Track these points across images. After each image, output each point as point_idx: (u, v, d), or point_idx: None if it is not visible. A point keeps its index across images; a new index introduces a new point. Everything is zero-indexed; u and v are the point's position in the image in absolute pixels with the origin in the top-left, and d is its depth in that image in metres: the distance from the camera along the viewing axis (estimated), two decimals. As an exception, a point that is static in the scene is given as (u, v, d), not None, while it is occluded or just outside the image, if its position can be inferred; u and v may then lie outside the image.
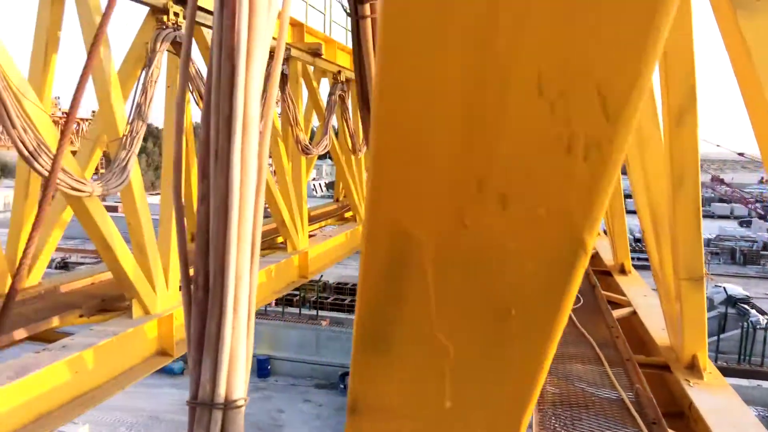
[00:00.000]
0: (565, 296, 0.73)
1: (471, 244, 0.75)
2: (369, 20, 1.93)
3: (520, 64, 0.70)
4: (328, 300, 34.51)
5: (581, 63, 0.70)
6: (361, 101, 2.19)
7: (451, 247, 0.76)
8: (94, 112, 34.74)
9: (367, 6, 1.89)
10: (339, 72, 11.14)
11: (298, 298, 31.50)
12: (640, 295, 6.24)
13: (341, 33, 12.55)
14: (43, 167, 4.58)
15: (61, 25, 5.92)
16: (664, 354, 4.71)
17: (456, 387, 0.75)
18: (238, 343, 1.06)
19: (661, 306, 5.19)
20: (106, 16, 2.75)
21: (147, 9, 6.27)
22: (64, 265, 33.29)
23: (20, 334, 5.37)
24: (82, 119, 34.66)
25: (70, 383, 5.14)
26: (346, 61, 11.83)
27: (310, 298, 33.53)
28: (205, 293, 1.06)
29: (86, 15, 5.51)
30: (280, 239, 10.06)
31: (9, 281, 6.14)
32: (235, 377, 1.05)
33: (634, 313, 5.73)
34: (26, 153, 4.47)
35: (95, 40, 4.76)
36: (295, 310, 32.34)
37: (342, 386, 26.83)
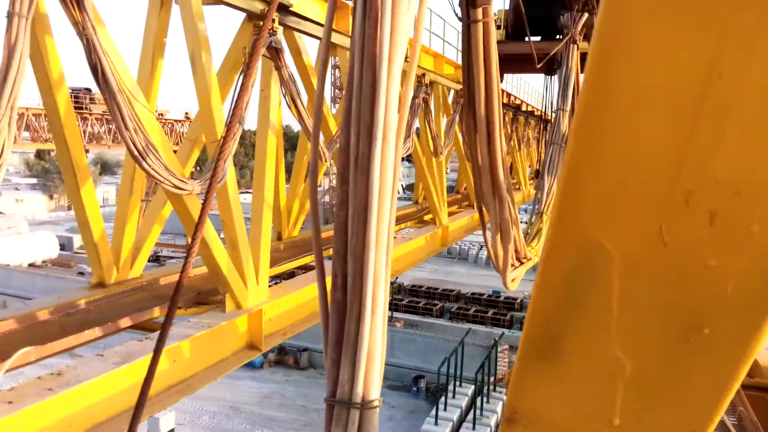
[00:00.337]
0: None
1: (667, 260, 0.72)
2: (480, 24, 1.91)
3: (749, 76, 0.67)
4: (403, 302, 34.78)
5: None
6: (466, 104, 2.18)
7: (645, 262, 0.73)
8: (186, 114, 36.74)
9: (480, 10, 1.88)
10: (423, 75, 11.15)
11: (373, 299, 31.90)
12: None
13: (424, 35, 12.56)
14: (150, 166, 4.87)
15: (166, 32, 6.29)
16: (768, 375, 4.39)
17: (628, 405, 0.72)
18: (376, 343, 1.08)
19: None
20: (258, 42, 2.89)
21: (243, 15, 6.56)
22: (156, 259, 35.35)
23: (125, 322, 5.74)
24: (175, 120, 36.76)
25: (168, 371, 5.43)
26: (429, 63, 11.85)
27: (385, 299, 33.92)
28: (343, 294, 1.09)
29: (190, 22, 5.82)
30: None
31: (115, 273, 6.59)
32: (372, 377, 1.07)
33: None
34: (136, 152, 4.76)
35: (248, 67, 5.01)
36: (369, 311, 32.79)
37: (415, 389, 26.86)
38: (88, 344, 5.67)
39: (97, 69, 4.29)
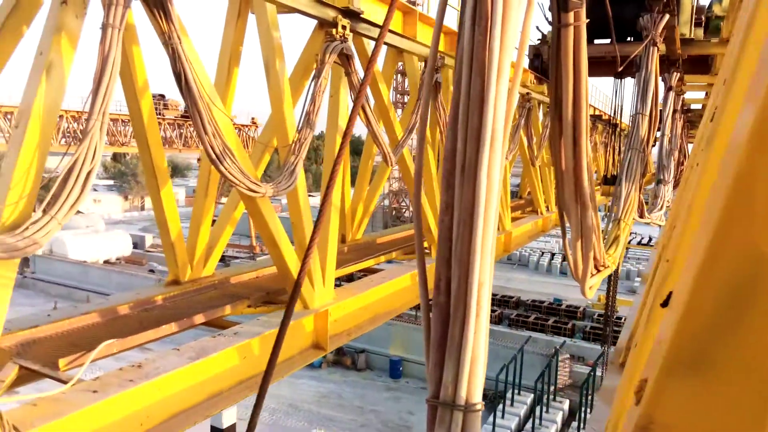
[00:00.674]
0: None
1: None
2: (571, 28, 1.89)
3: None
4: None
5: None
6: (553, 109, 2.16)
7: None
8: (253, 119, 37.86)
9: (571, 14, 1.85)
10: (528, 93, 11.07)
11: (431, 302, 31.86)
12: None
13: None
14: (226, 169, 5.05)
15: (242, 40, 6.52)
16: None
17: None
18: (479, 347, 1.09)
19: None
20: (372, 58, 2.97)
21: (315, 22, 6.72)
22: (221, 258, 36.58)
23: (199, 318, 5.97)
24: (242, 125, 37.98)
25: (239, 367, 5.60)
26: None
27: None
28: (446, 298, 1.11)
29: (265, 31, 6.01)
30: (426, 244, 10.22)
31: (189, 271, 6.87)
32: (476, 381, 1.08)
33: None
34: (213, 156, 4.95)
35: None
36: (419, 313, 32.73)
37: (473, 395, 26.60)
38: (163, 339, 5.94)
39: (180, 76, 4.50)
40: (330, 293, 6.87)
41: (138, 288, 7.19)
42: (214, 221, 7.35)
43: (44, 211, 3.60)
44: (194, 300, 6.48)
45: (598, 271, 3.50)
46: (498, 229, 11.62)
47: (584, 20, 1.90)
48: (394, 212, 47.09)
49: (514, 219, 13.91)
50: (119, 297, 6.26)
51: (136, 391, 4.54)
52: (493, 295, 35.76)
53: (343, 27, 6.39)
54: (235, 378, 5.61)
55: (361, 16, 6.68)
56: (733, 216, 0.73)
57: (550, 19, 1.97)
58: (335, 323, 6.81)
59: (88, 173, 3.74)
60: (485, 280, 1.11)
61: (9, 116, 25.22)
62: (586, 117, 2.10)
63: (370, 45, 7.64)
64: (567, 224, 3.12)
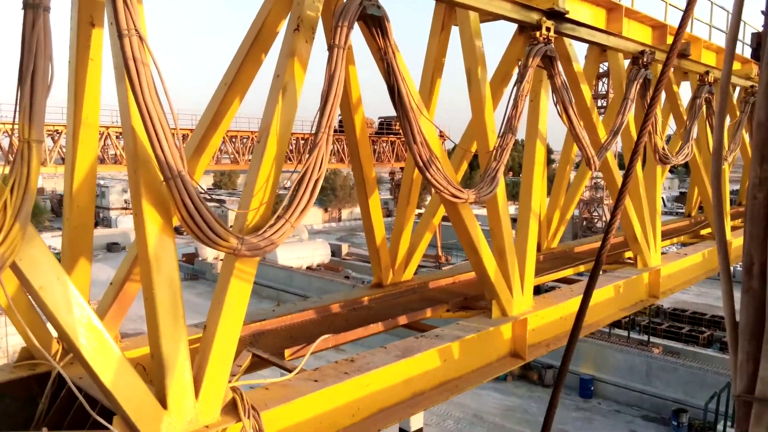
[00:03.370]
0: None
1: None
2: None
3: None
4: (662, 326, 31.48)
5: None
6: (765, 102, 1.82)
7: None
8: (441, 132, 38.70)
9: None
10: (707, 72, 9.96)
11: (627, 319, 29.44)
12: None
13: (704, 30, 11.22)
14: (432, 176, 5.21)
15: (446, 52, 6.71)
16: None
17: None
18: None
19: None
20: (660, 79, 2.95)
21: (514, 27, 6.66)
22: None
23: (402, 320, 6.23)
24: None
25: (440, 370, 5.71)
26: (712, 59, 10.53)
27: (640, 322, 31.11)
28: (761, 283, 1.00)
29: (468, 41, 6.11)
30: (628, 254, 9.49)
31: (391, 275, 7.20)
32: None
33: None
34: (421, 163, 5.14)
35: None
36: (623, 333, 30.36)
37: (675, 423, 23.92)
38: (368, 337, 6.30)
39: (394, 89, 4.76)
40: (528, 301, 6.70)
41: (342, 291, 7.74)
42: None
43: (280, 216, 4.04)
44: (396, 302, 6.78)
45: None
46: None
47: None
48: (585, 222, 44.59)
49: (734, 228, 12.28)
50: (331, 297, 6.79)
51: (351, 384, 4.87)
52: (701, 314, 32.21)
53: (548, 29, 6.24)
54: (437, 379, 5.73)
55: (566, 16, 6.46)
56: None
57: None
58: (533, 332, 6.62)
59: (316, 181, 4.12)
60: None
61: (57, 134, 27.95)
62: None
63: (571, 45, 7.35)
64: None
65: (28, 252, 3.02)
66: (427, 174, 5.17)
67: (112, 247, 52.80)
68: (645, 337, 30.24)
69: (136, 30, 3.28)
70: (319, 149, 4.17)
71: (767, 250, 0.97)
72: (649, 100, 8.06)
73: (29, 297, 3.95)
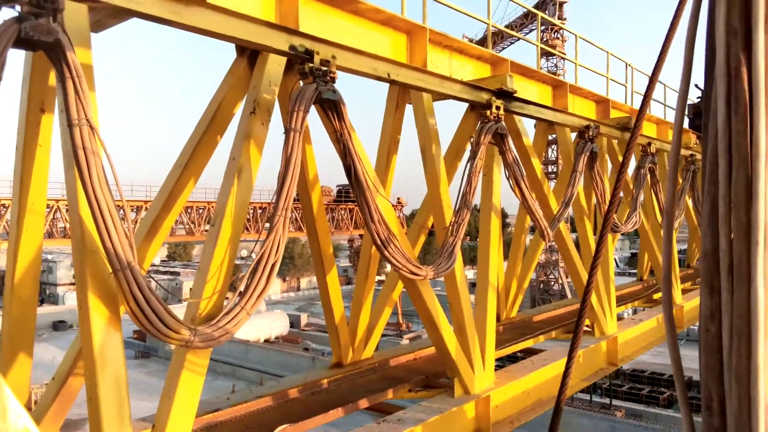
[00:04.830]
0: None
1: None
2: None
3: None
4: (622, 388, 31.59)
5: None
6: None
7: None
8: (399, 199, 39.28)
9: None
10: (649, 143, 10.50)
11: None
12: None
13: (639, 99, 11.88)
14: (390, 254, 5.19)
15: (400, 129, 6.86)
16: None
17: None
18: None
19: None
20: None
21: (465, 106, 6.90)
22: (369, 336, 37.37)
23: (363, 403, 6.01)
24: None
25: (405, 455, 5.49)
26: (652, 131, 11.15)
27: (602, 384, 31.15)
28: (720, 420, 0.97)
29: (421, 119, 6.28)
30: (586, 322, 9.56)
31: (351, 353, 7.01)
32: None
33: None
34: (379, 242, 5.12)
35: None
36: (586, 396, 30.27)
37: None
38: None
39: (350, 169, 4.80)
40: (490, 377, 6.60)
41: (301, 371, 7.47)
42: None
43: (235, 303, 3.91)
44: (357, 383, 6.57)
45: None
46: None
47: None
48: (542, 285, 45.20)
49: (684, 291, 12.61)
50: (288, 380, 6.53)
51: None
52: (660, 375, 32.56)
53: (497, 107, 6.49)
54: (402, 467, 5.49)
55: (515, 95, 6.75)
56: None
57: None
58: (497, 409, 6.49)
59: (273, 265, 4.03)
60: (776, 403, 0.96)
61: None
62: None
63: (521, 121, 7.65)
64: None
65: (-43, 356, 2.79)
66: (386, 252, 5.15)
67: (58, 326, 50.21)
68: (607, 400, 30.20)
69: (87, 120, 3.22)
70: (276, 232, 4.11)
71: (723, 384, 0.95)
72: (596, 172, 8.39)
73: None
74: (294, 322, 48.39)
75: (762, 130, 0.98)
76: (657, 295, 12.44)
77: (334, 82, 4.80)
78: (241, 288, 3.89)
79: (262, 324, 43.82)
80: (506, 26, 43.11)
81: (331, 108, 4.81)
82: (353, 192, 4.97)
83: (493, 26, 8.65)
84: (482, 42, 32.54)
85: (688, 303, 11.93)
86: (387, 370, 7.11)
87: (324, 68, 4.77)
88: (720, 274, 1.00)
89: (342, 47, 5.07)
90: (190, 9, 4.07)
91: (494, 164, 6.95)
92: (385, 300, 7.44)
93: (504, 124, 6.69)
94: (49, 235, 28.45)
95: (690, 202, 13.23)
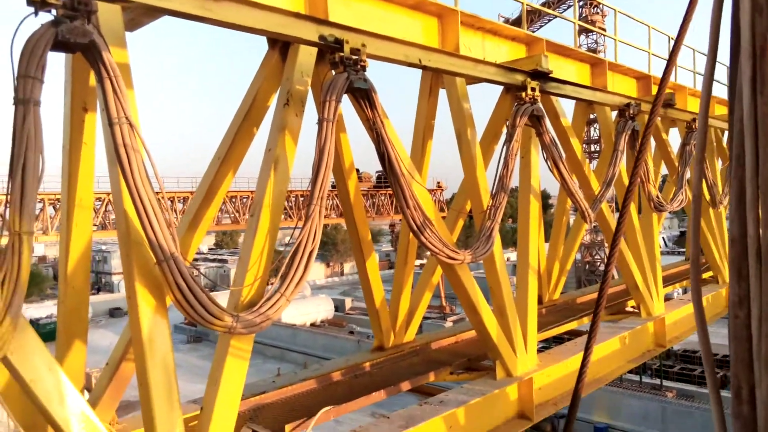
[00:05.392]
0: None
1: None
2: None
3: None
4: (673, 369, 30.84)
5: None
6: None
7: None
8: (439, 183, 39.11)
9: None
10: (693, 120, 10.13)
11: (638, 364, 28.87)
12: None
13: (689, 78, 11.48)
14: (427, 239, 5.22)
15: (434, 114, 6.84)
16: None
17: None
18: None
19: None
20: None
21: (500, 89, 6.82)
22: (413, 319, 37.61)
23: (405, 386, 6.10)
24: (429, 190, 39.46)
25: (445, 437, 5.55)
26: (698, 107, 10.73)
27: (652, 365, 30.48)
28: (750, 408, 0.97)
29: (456, 103, 6.25)
30: (631, 303, 9.39)
31: (392, 337, 7.10)
32: None
33: None
34: (415, 227, 5.16)
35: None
36: (635, 377, 29.69)
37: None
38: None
39: (384, 156, 4.83)
40: (533, 359, 6.58)
41: (346, 354, 7.61)
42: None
43: (275, 290, 4.03)
44: (398, 366, 6.66)
45: None
46: (718, 281, 10.35)
47: None
48: (587, 266, 44.37)
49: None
50: (332, 364, 6.67)
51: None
52: (713, 354, 31.44)
53: (533, 89, 6.39)
54: (442, 448, 5.56)
55: (551, 75, 6.62)
56: None
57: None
58: (540, 392, 6.47)
59: (310, 253, 4.13)
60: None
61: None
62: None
63: (558, 102, 7.51)
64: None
65: (19, 345, 2.99)
66: (422, 237, 5.18)
67: (114, 313, 52.39)
68: (657, 381, 29.57)
69: (126, 118, 3.36)
70: (312, 221, 4.19)
71: (753, 372, 0.94)
72: (637, 151, 8.15)
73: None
74: (339, 306, 49.09)
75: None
76: (706, 275, 12.06)
77: (365, 70, 4.83)
78: (280, 275, 4.01)
79: (308, 308, 44.64)
80: (543, 3, 41.97)
81: (363, 96, 4.84)
82: (388, 179, 5.01)
83: (528, 5, 8.50)
84: (518, 22, 31.80)
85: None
86: (429, 353, 7.18)
87: (354, 57, 4.80)
88: (748, 261, 0.99)
89: (372, 35, 5.09)
90: (219, 4, 4.16)
91: (532, 146, 6.86)
92: (425, 284, 7.48)
93: (540, 105, 6.58)
94: (102, 227, 29.58)
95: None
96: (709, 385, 1.10)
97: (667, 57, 10.73)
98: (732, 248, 1.03)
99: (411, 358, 6.95)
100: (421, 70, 6.28)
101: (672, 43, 10.77)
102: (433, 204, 5.76)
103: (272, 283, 4.16)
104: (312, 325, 44.28)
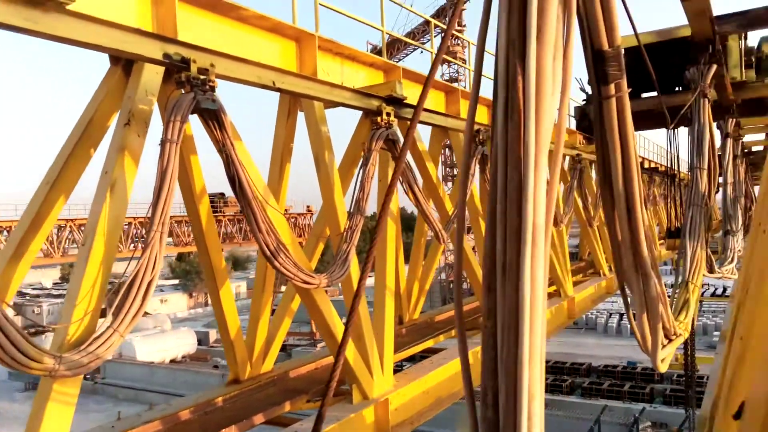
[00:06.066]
0: None
1: None
2: (613, 100, 1.85)
3: None
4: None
5: None
6: (602, 179, 2.12)
7: None
8: (309, 207, 38.98)
9: (612, 86, 1.83)
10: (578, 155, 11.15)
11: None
12: None
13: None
14: (281, 264, 5.12)
15: (293, 137, 6.80)
16: None
17: None
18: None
19: None
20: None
21: (360, 113, 6.97)
22: (283, 348, 36.73)
23: (258, 419, 5.89)
24: (298, 214, 39.15)
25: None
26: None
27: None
28: (494, 413, 1.03)
29: (314, 126, 6.28)
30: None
31: (248, 368, 6.85)
32: None
33: None
34: (268, 253, 5.05)
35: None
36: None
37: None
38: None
39: (234, 180, 4.70)
40: (389, 380, 6.68)
41: (200, 388, 7.21)
42: (274, 310, 7.42)
43: (108, 326, 3.71)
44: (254, 398, 6.42)
45: (670, 341, 3.27)
46: (560, 295, 11.35)
47: (626, 90, 1.86)
48: (451, 285, 46.42)
49: (576, 283, 13.40)
50: (181, 402, 6.26)
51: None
52: (562, 363, 34.17)
53: (387, 114, 6.61)
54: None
55: (405, 102, 6.90)
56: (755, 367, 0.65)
57: (590, 92, 1.96)
58: (396, 412, 6.57)
59: (149, 283, 3.86)
60: (536, 392, 1.03)
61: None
62: (638, 187, 2.03)
63: (418, 128, 7.83)
64: (629, 295, 2.95)
65: None
66: (276, 263, 5.08)
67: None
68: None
69: None
70: (152, 248, 3.94)
71: (498, 379, 1.01)
72: (487, 175, 8.74)
73: None
74: (202, 340, 46.54)
75: (531, 136, 1.06)
76: (551, 288, 13.13)
77: (213, 90, 4.69)
78: (114, 308, 3.70)
79: (167, 343, 41.81)
80: (408, 33, 44.03)
81: (212, 117, 4.68)
82: (239, 203, 4.88)
83: (388, 33, 8.81)
84: (387, 47, 33.10)
85: (579, 294, 12.68)
86: (287, 383, 7.01)
87: (203, 77, 4.65)
88: (496, 274, 1.07)
89: (222, 55, 4.96)
90: (49, 15, 3.82)
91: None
92: (284, 311, 7.34)
93: (396, 130, 6.82)
94: None
95: (579, 201, 14.08)
96: (466, 394, 1.17)
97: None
98: (484, 262, 1.11)
99: (268, 388, 6.74)
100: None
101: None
102: (289, 228, 5.70)
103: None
104: (172, 361, 41.52)
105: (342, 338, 2.18)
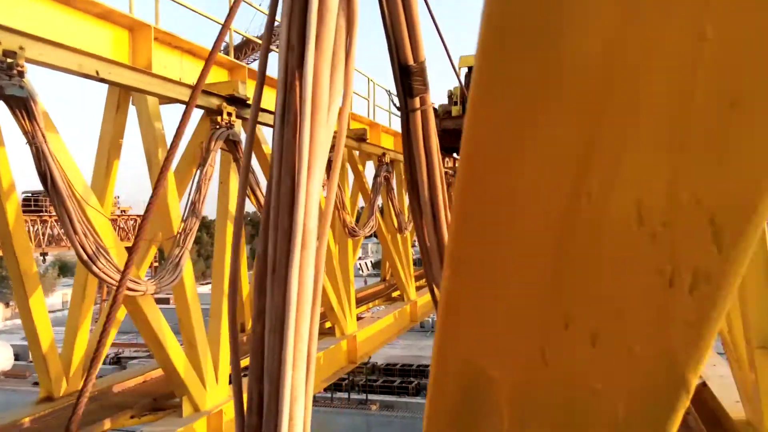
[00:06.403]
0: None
1: (553, 385, 0.70)
2: (419, 113, 1.95)
3: (616, 195, 0.66)
4: (377, 382, 33.66)
5: (691, 192, 0.65)
6: (410, 188, 2.21)
7: (531, 388, 0.70)
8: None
9: (417, 99, 1.92)
10: (383, 154, 11.41)
11: (347, 381, 30.83)
12: (709, 364, 5.81)
13: (384, 116, 12.91)
14: (101, 270, 4.72)
15: (123, 133, 6.29)
16: (740, 429, 4.35)
17: None
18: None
19: (733, 376, 4.83)
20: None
21: (201, 112, 6.66)
22: (117, 360, 33.82)
23: (75, 438, 5.34)
24: (137, 216, 36.44)
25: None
26: (389, 143, 12.15)
27: (359, 382, 32.80)
28: (258, 418, 1.01)
29: (146, 122, 5.87)
30: (327, 324, 9.98)
31: (65, 384, 6.20)
32: None
33: (704, 384, 5.33)
34: (85, 257, 4.63)
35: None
36: (345, 395, 31.61)
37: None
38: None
39: (46, 176, 4.24)
40: (224, 391, 6.44)
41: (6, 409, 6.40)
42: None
43: None
44: (68, 417, 5.82)
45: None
46: (404, 299, 11.77)
47: (431, 104, 1.97)
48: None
49: (419, 288, 14.00)
50: (-24, 425, 5.51)
51: None
52: (409, 365, 35.36)
53: (229, 114, 6.39)
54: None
55: (247, 102, 6.71)
56: (452, 334, 0.72)
57: (398, 105, 2.04)
58: (230, 423, 6.36)
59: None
60: (299, 395, 1.03)
61: None
62: (443, 194, 2.15)
63: (260, 129, 7.67)
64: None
65: None
66: (94, 267, 4.67)
67: None
68: (364, 396, 32.01)
69: None
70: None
71: (263, 383, 0.99)
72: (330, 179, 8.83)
73: None
74: (21, 354, 41.23)
75: (306, 140, 1.06)
76: (395, 293, 13.61)
77: (22, 76, 4.20)
78: None
79: (-23, 360, 36.57)
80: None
81: (19, 106, 4.18)
82: (51, 201, 4.41)
83: (236, 32, 8.54)
84: (241, 47, 31.97)
85: (421, 298, 13.24)
86: (110, 398, 6.45)
87: (10, 60, 4.15)
88: (267, 277, 1.06)
89: (36, 38, 4.46)
90: None
91: (231, 172, 6.83)
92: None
93: (237, 131, 6.62)
94: None
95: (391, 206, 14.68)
96: (235, 403, 1.15)
97: (366, 95, 11.93)
98: (256, 266, 1.10)
99: (87, 405, 6.14)
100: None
101: (371, 85, 12.03)
102: (112, 230, 5.27)
103: None
104: (-15, 379, 36.46)
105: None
